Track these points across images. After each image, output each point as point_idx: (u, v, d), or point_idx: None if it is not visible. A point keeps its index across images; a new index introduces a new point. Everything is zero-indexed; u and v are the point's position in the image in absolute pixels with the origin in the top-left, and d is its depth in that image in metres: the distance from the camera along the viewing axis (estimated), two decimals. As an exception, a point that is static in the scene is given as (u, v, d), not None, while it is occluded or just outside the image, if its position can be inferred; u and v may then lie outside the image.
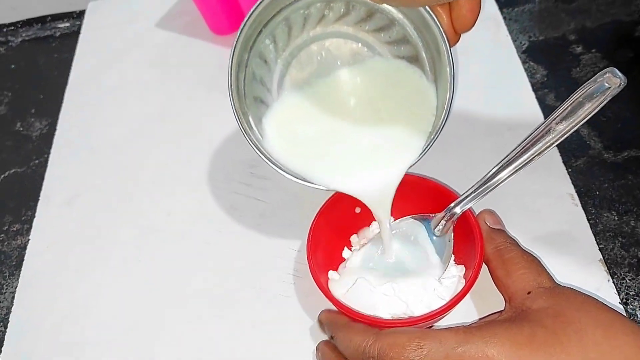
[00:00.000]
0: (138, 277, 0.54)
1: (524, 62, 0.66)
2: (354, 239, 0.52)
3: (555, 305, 0.39)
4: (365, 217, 0.49)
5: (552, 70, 0.65)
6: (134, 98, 0.69)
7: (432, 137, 0.44)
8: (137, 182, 0.61)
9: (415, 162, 0.45)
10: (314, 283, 0.45)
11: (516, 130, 0.59)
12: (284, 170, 0.44)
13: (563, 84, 0.64)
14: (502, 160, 0.44)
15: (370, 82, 0.47)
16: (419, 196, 0.50)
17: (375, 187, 0.46)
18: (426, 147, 0.45)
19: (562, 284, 0.46)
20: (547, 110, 0.61)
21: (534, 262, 0.43)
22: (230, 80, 0.42)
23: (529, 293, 0.41)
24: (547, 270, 0.43)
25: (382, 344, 0.39)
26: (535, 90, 0.62)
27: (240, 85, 0.44)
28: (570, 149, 0.58)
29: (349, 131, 0.47)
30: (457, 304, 0.43)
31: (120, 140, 0.65)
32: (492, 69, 0.65)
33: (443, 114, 0.44)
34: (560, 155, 0.56)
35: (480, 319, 0.45)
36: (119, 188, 0.61)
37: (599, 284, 0.48)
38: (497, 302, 0.45)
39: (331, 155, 0.46)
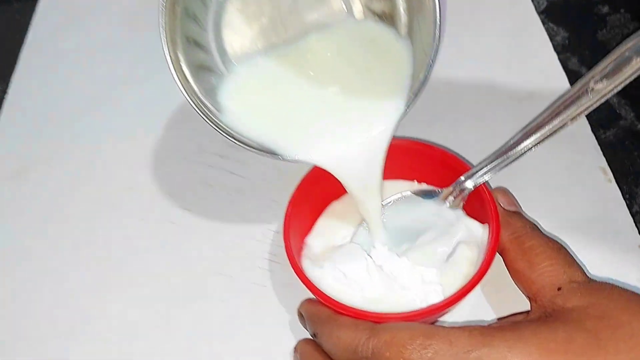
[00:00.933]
0: (92, 261, 0.46)
1: (543, 24, 0.58)
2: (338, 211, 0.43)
3: (596, 304, 0.31)
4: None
5: (575, 32, 0.57)
6: (97, 61, 0.60)
7: (411, 99, 0.40)
8: (96, 154, 0.53)
9: (394, 127, 0.40)
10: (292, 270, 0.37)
11: (537, 97, 0.51)
12: (245, 143, 0.40)
13: (587, 47, 0.56)
14: (528, 126, 0.37)
15: (338, 46, 0.43)
16: (421, 167, 0.42)
17: (352, 156, 0.40)
18: (406, 110, 0.40)
19: (596, 277, 0.38)
20: (571, 76, 0.53)
21: (562, 251, 0.36)
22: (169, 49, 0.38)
23: (559, 289, 0.33)
24: (578, 260, 0.36)
25: (378, 342, 0.31)
26: (556, 54, 0.54)
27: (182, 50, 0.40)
28: (598, 120, 0.49)
29: (317, 99, 0.42)
30: (466, 295, 0.35)
31: (79, 107, 0.57)
32: (509, 31, 0.57)
33: (424, 71, 0.39)
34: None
35: (499, 319, 0.37)
36: (74, 161, 0.53)
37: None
38: (517, 300, 0.37)
39: (299, 124, 0.41)
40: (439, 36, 0.38)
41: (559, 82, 0.52)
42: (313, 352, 0.36)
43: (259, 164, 0.49)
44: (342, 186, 0.40)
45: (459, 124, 0.50)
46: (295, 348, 0.37)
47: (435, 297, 0.36)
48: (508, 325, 0.32)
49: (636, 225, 0.42)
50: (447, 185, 0.40)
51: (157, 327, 0.42)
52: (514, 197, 0.40)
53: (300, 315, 0.38)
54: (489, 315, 0.39)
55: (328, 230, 0.42)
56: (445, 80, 0.53)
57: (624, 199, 0.44)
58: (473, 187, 0.38)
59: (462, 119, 0.50)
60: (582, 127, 0.48)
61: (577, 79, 0.37)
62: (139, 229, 0.47)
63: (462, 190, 0.39)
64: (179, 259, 0.45)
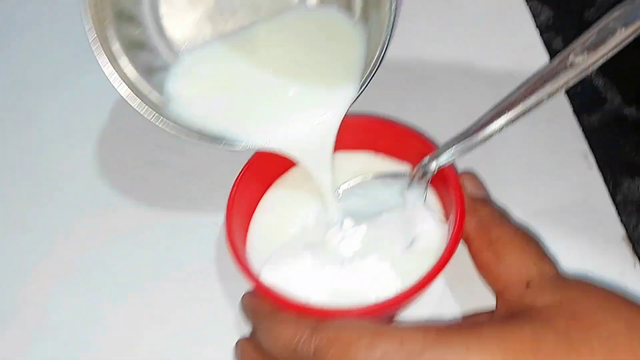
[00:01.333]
0: (18, 249, 0.42)
1: (526, 1, 0.54)
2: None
3: (568, 302, 0.28)
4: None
5: (560, 11, 0.53)
6: (40, 37, 0.55)
7: (363, 82, 0.38)
8: (31, 132, 0.48)
9: (344, 110, 0.38)
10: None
11: (517, 77, 0.46)
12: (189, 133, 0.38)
13: (573, 27, 0.52)
14: (500, 104, 0.34)
15: (289, 32, 0.42)
16: (382, 146, 0.38)
17: (304, 136, 0.38)
18: (358, 93, 0.38)
19: (575, 271, 0.34)
20: (554, 56, 0.48)
21: (532, 242, 0.32)
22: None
23: (527, 285, 0.29)
24: (548, 252, 0.32)
25: (321, 340, 0.28)
26: (539, 34, 0.50)
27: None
28: (582, 103, 0.45)
29: (267, 85, 0.40)
30: (424, 288, 0.31)
31: (14, 77, 0.52)
32: (490, 8, 0.53)
33: (377, 54, 0.38)
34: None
35: (464, 316, 0.33)
36: (7, 139, 0.48)
37: (622, 268, 0.36)
38: (485, 295, 0.33)
39: (249, 110, 0.40)
40: (393, 18, 0.37)
41: (541, 62, 0.48)
42: (251, 352, 0.32)
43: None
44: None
45: (432, 104, 0.46)
46: (236, 344, 0.33)
47: (392, 291, 0.32)
48: (468, 325, 0.28)
49: (620, 216, 0.38)
50: (411, 164, 0.36)
51: (90, 319, 0.38)
52: (483, 183, 0.37)
53: (241, 310, 0.34)
54: (454, 311, 0.35)
55: (273, 216, 0.38)
56: (420, 58, 0.49)
57: (608, 187, 0.40)
58: (436, 169, 0.35)
59: (437, 98, 0.46)
60: (564, 109, 0.44)
61: (560, 58, 0.33)
62: (75, 211, 0.43)
63: (426, 172, 0.35)
64: (117, 245, 0.41)
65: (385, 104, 0.44)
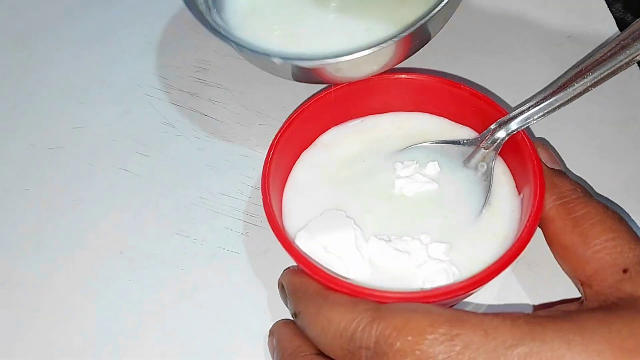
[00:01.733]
0: (26, 215, 0.37)
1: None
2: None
3: None
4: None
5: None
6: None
7: None
8: (36, 87, 0.43)
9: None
10: (272, 232, 0.28)
11: (580, 39, 0.42)
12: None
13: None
14: (582, 63, 0.29)
15: None
16: (451, 107, 0.33)
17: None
18: None
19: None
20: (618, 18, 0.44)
21: (623, 222, 0.27)
22: None
23: (625, 271, 0.25)
24: None
25: (385, 327, 0.23)
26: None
27: None
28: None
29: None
30: (498, 274, 0.26)
31: (19, 35, 0.47)
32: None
33: None
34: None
35: (543, 305, 0.28)
36: (9, 93, 0.43)
37: None
38: (559, 283, 0.28)
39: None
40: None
41: (604, 21, 0.43)
42: (293, 336, 0.27)
43: (234, 103, 0.40)
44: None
45: (488, 63, 0.41)
46: (270, 331, 0.29)
47: (444, 278, 0.28)
48: (560, 314, 0.23)
49: None
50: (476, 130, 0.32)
51: (97, 295, 0.33)
52: (557, 156, 0.32)
53: (282, 287, 0.29)
54: (521, 301, 0.31)
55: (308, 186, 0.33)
56: (475, 14, 0.44)
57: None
58: (507, 135, 0.30)
59: (493, 58, 0.41)
60: (635, 80, 0.39)
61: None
62: (87, 176, 0.38)
63: (495, 141, 0.30)
64: (132, 214, 0.36)
65: (435, 61, 0.40)
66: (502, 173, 0.32)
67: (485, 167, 0.31)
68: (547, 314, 0.23)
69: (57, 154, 0.39)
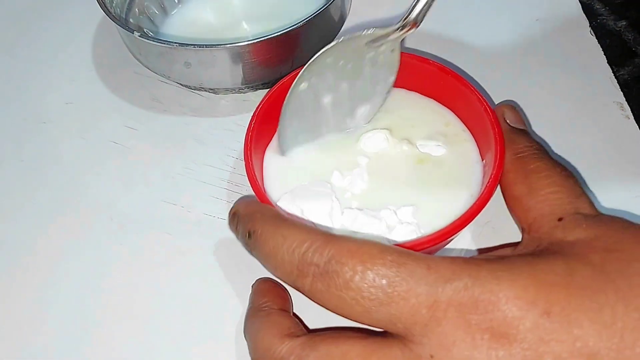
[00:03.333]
0: (21, 184, 0.38)
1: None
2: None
3: (604, 237, 0.25)
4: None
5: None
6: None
7: None
8: (28, 64, 0.45)
9: None
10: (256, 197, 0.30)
11: (548, 20, 0.44)
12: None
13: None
14: None
15: None
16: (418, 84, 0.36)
17: None
18: None
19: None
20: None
21: (570, 179, 0.29)
22: None
23: (560, 220, 0.27)
24: (586, 191, 0.29)
25: (339, 249, 0.24)
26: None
27: None
28: (612, 57, 0.43)
29: None
30: (462, 228, 0.28)
31: (10, 11, 0.48)
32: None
33: None
34: (602, 60, 0.42)
35: (483, 250, 0.31)
36: (5, 69, 0.45)
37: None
38: (509, 235, 0.31)
39: None
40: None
41: (572, 10, 0.45)
42: (264, 294, 0.29)
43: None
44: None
45: (460, 44, 0.43)
46: (252, 287, 0.31)
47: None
48: (495, 257, 0.25)
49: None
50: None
51: (88, 259, 0.35)
52: (522, 115, 0.34)
53: (233, 215, 0.30)
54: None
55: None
56: None
57: None
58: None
59: (463, 39, 0.43)
60: (597, 58, 0.42)
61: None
62: (78, 148, 0.40)
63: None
64: (119, 183, 0.38)
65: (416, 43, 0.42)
66: (465, 140, 0.34)
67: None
68: (484, 257, 0.26)
69: (49, 128, 0.41)
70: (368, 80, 0.34)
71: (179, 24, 0.44)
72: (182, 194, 0.37)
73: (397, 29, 0.32)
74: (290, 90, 0.32)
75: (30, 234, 0.36)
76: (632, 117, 0.38)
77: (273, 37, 0.34)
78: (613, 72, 0.42)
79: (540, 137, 0.37)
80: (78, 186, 0.38)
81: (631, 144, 0.37)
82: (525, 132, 0.32)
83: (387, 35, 0.32)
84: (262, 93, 0.40)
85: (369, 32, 0.31)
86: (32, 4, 0.49)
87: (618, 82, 0.41)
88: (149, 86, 0.42)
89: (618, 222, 0.26)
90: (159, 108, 0.41)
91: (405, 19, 0.31)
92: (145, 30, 0.42)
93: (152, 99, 0.42)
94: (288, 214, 0.30)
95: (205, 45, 0.34)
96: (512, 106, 0.33)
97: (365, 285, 0.24)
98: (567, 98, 0.40)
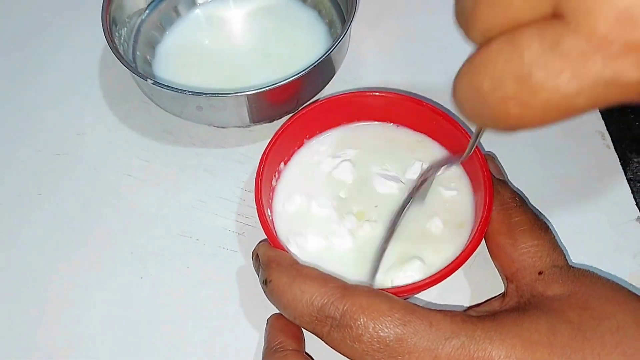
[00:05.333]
0: (40, 218, 0.41)
1: None
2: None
3: (578, 293, 0.29)
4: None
5: None
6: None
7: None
8: (36, 91, 0.46)
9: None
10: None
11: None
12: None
13: None
14: None
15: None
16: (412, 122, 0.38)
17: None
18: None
19: (588, 248, 0.36)
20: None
21: (548, 232, 0.33)
22: None
23: (540, 273, 0.31)
24: (559, 243, 0.33)
25: (352, 304, 0.28)
26: None
27: None
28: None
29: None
30: (447, 277, 0.32)
31: (16, 38, 0.49)
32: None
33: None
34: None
35: (475, 305, 0.34)
36: (19, 104, 0.46)
37: (637, 249, 0.37)
38: (490, 277, 0.35)
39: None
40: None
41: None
42: (278, 332, 0.32)
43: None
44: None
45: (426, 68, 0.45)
46: (267, 320, 0.34)
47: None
48: (488, 316, 0.29)
49: (633, 195, 0.40)
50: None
51: (112, 293, 0.37)
52: (500, 166, 0.38)
53: (256, 257, 0.34)
54: (459, 291, 0.36)
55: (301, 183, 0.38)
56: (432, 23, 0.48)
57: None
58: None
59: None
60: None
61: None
62: (93, 181, 0.42)
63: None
64: (137, 217, 0.40)
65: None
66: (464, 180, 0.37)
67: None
68: (477, 314, 0.29)
69: (63, 160, 0.43)
70: None
71: (173, 46, 0.46)
72: (196, 227, 0.39)
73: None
74: None
75: (54, 267, 0.39)
76: (612, 146, 0.41)
77: (281, 84, 0.36)
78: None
79: (522, 176, 0.40)
80: (97, 219, 0.40)
81: (610, 174, 0.40)
82: (506, 183, 0.35)
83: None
84: (268, 126, 0.42)
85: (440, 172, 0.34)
86: (35, 30, 0.50)
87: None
88: (158, 116, 0.44)
89: (589, 277, 0.30)
90: (170, 139, 0.43)
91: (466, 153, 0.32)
92: (146, 56, 0.45)
93: (162, 130, 0.44)
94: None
95: (218, 93, 0.36)
96: (492, 157, 0.36)
97: (375, 339, 0.27)
98: (547, 133, 0.42)
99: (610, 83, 0.15)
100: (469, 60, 0.18)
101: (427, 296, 0.36)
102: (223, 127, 0.42)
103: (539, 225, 0.33)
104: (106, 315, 0.37)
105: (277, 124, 0.41)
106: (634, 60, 0.15)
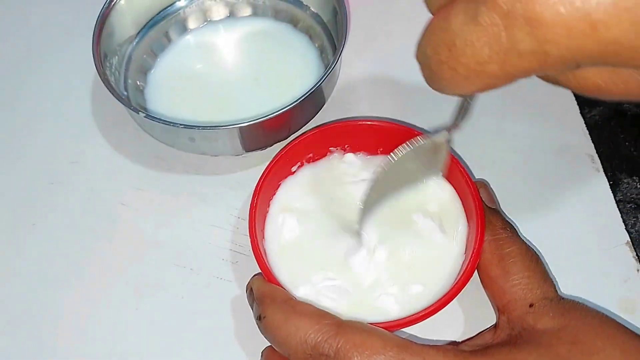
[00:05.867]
0: (35, 249, 0.41)
1: None
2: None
3: (568, 327, 0.30)
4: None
5: None
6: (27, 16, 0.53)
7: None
8: (29, 119, 0.47)
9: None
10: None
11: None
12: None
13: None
14: None
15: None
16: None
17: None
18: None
19: (579, 273, 0.37)
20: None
21: (539, 263, 0.33)
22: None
23: (531, 306, 0.31)
24: (550, 274, 0.34)
25: (346, 342, 0.28)
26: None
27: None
28: (583, 98, 0.46)
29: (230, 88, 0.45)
30: (437, 312, 0.32)
31: (7, 65, 0.50)
32: None
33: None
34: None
35: (468, 339, 0.34)
36: (12, 130, 0.46)
37: (627, 274, 0.38)
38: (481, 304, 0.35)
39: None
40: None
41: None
42: (280, 358, 0.32)
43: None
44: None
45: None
46: (262, 353, 0.34)
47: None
48: (480, 350, 0.30)
49: (623, 218, 0.40)
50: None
51: (107, 323, 0.38)
52: (493, 194, 0.38)
53: (250, 291, 0.34)
54: (453, 320, 0.37)
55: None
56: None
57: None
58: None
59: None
60: (571, 109, 0.45)
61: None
62: (88, 211, 0.42)
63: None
64: (131, 247, 0.40)
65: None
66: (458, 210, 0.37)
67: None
68: (470, 349, 0.30)
69: (57, 189, 0.43)
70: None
71: (165, 73, 0.46)
72: (191, 257, 0.40)
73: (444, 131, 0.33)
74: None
75: (49, 298, 0.39)
76: (601, 170, 0.42)
77: (273, 116, 0.36)
78: (584, 112, 0.45)
79: (513, 200, 0.40)
80: (93, 250, 0.40)
81: (598, 198, 0.41)
82: (498, 212, 0.35)
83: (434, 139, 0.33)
84: (260, 153, 0.42)
85: (419, 143, 0.33)
86: (27, 59, 0.50)
87: (588, 124, 0.44)
88: (151, 143, 0.44)
89: (579, 310, 0.31)
90: (163, 166, 0.43)
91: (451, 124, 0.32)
92: (137, 82, 0.45)
93: (155, 157, 0.44)
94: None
95: (210, 126, 0.37)
96: (485, 184, 0.37)
97: None
98: (538, 153, 0.43)
99: (509, 51, 0.18)
100: (424, 29, 0.21)
101: (420, 325, 0.36)
102: (215, 156, 0.43)
103: (530, 256, 0.33)
104: (102, 346, 0.37)
105: (270, 150, 0.41)
106: (529, 31, 0.17)
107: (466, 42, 0.19)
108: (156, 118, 0.37)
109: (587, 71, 0.20)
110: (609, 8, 0.16)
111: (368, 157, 0.40)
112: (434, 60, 0.20)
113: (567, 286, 0.36)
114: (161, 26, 0.47)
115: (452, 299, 0.32)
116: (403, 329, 0.36)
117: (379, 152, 0.40)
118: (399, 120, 0.42)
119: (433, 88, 0.22)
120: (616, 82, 0.20)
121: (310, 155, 0.39)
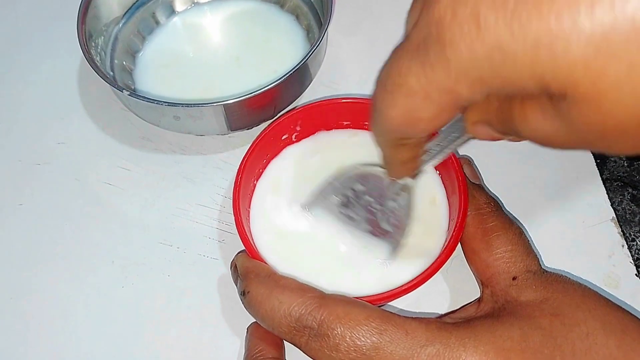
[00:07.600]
0: (22, 229, 0.41)
1: None
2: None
3: (551, 300, 0.30)
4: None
5: None
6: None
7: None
8: (16, 102, 0.46)
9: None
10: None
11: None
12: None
13: None
14: None
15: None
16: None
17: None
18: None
19: (563, 247, 0.37)
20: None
21: (522, 237, 0.34)
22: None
23: (514, 279, 0.31)
24: (534, 247, 0.34)
25: (329, 314, 0.28)
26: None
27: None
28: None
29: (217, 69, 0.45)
30: (422, 284, 0.32)
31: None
32: None
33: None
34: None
35: (451, 312, 0.34)
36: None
37: (611, 250, 0.38)
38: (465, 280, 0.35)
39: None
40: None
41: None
42: (258, 341, 0.32)
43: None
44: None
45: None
46: (247, 329, 0.34)
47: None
48: (463, 322, 0.30)
49: (609, 196, 0.40)
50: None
51: (94, 303, 0.38)
52: (477, 170, 0.38)
53: (234, 268, 0.34)
54: (437, 294, 0.37)
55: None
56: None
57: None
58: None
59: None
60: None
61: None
62: (75, 191, 0.42)
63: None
64: (118, 226, 0.40)
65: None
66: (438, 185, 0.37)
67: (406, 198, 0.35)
68: (453, 321, 0.30)
69: (44, 170, 0.43)
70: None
71: (153, 55, 0.46)
72: (177, 235, 0.40)
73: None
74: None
75: (36, 277, 0.39)
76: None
77: (258, 93, 0.36)
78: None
79: (498, 178, 0.40)
80: (79, 229, 0.40)
81: (585, 175, 0.41)
82: (481, 188, 0.35)
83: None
84: (247, 132, 0.42)
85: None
86: (13, 41, 0.50)
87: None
88: (137, 123, 0.44)
89: (562, 282, 0.31)
90: (150, 147, 0.43)
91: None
92: (124, 63, 0.45)
93: (141, 137, 0.44)
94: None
95: (194, 104, 0.36)
96: (469, 161, 0.37)
97: (352, 348, 0.28)
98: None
99: (448, 92, 0.20)
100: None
101: (405, 300, 0.36)
102: (201, 136, 0.43)
103: (514, 230, 0.33)
104: (88, 325, 0.37)
105: (257, 129, 0.41)
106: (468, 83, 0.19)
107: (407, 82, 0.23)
108: (140, 96, 0.37)
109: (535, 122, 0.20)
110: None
111: (355, 132, 0.40)
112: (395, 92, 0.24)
113: (553, 262, 0.37)
114: (148, 7, 0.46)
115: (435, 273, 0.32)
116: (389, 304, 0.36)
117: (364, 128, 0.40)
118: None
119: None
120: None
121: (297, 133, 0.39)
